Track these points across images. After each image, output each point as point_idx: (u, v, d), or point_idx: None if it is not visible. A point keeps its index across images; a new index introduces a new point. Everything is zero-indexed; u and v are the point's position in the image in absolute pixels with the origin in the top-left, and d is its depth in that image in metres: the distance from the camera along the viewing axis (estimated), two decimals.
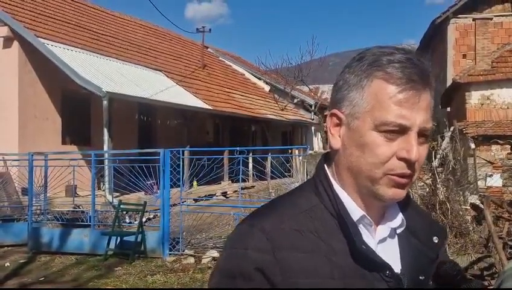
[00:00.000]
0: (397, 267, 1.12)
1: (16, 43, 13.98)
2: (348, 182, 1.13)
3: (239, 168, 9.66)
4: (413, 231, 1.18)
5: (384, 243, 1.15)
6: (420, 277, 1.13)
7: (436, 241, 1.19)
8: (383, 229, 1.15)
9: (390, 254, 1.13)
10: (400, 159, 1.06)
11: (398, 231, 1.17)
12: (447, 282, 1.16)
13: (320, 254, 1.07)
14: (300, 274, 1.05)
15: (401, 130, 1.06)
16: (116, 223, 9.75)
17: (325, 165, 1.18)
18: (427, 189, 9.45)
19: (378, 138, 1.06)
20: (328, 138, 1.16)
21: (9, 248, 10.22)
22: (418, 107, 1.06)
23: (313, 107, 27.03)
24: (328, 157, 1.19)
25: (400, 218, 1.17)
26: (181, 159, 9.79)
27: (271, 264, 1.05)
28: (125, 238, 9.48)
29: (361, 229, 1.12)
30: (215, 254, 8.90)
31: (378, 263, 1.08)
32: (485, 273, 6.47)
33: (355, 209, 1.12)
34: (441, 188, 9.07)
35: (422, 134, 1.07)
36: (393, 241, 1.17)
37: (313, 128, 27.90)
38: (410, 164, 1.06)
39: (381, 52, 1.09)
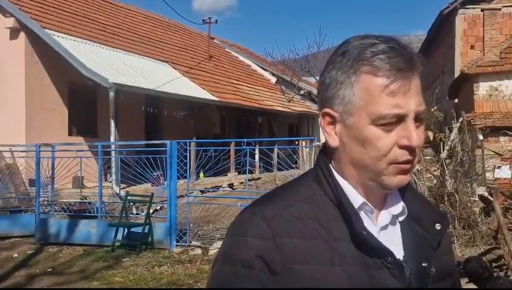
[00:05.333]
0: (399, 254, 1.12)
1: (22, 34, 13.98)
2: (351, 175, 1.14)
3: (246, 160, 9.63)
4: (415, 218, 1.18)
5: (386, 230, 1.15)
6: (423, 264, 1.13)
7: (438, 228, 1.18)
8: (385, 216, 1.16)
9: (392, 241, 1.13)
10: (402, 147, 1.06)
11: (400, 218, 1.17)
12: (474, 279, 1.16)
13: (321, 240, 1.08)
14: (301, 261, 1.06)
15: (398, 119, 1.06)
16: (123, 215, 9.77)
17: (325, 156, 1.19)
18: (435, 181, 9.41)
19: (376, 131, 1.06)
20: (324, 136, 1.16)
21: (17, 239, 10.26)
22: (410, 93, 1.06)
23: None
24: (327, 149, 1.19)
25: (401, 205, 1.17)
26: (188, 151, 9.78)
27: (272, 251, 1.06)
28: (132, 229, 9.48)
29: (363, 216, 1.12)
30: None
31: (380, 249, 1.09)
32: (494, 264, 6.43)
33: (356, 197, 1.12)
34: (449, 180, 9.03)
35: (417, 118, 1.08)
36: (395, 228, 1.17)
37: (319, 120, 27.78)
38: (411, 150, 1.07)
39: (363, 44, 1.08)
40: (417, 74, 1.09)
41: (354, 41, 1.11)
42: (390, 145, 1.07)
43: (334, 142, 1.14)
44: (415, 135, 1.06)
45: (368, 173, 1.10)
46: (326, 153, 1.20)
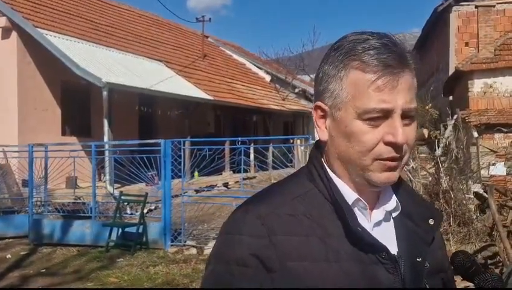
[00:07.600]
0: (394, 250, 1.13)
1: (14, 34, 13.90)
2: (340, 171, 1.14)
3: (240, 159, 9.59)
4: (409, 214, 1.19)
5: (380, 226, 1.15)
6: (417, 259, 1.14)
7: (431, 223, 1.19)
8: (378, 213, 1.16)
9: (386, 237, 1.13)
10: (387, 143, 1.07)
11: (394, 214, 1.18)
12: (461, 273, 1.14)
13: (315, 237, 1.08)
14: (296, 258, 1.06)
15: (385, 115, 1.06)
16: (118, 215, 9.72)
17: (318, 153, 1.20)
18: (430, 178, 9.42)
19: (362, 126, 1.07)
20: (316, 130, 1.17)
21: (11, 240, 10.20)
22: (397, 89, 1.06)
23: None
24: (319, 146, 1.20)
25: (394, 201, 1.17)
26: (182, 150, 9.75)
27: (266, 249, 1.07)
28: (126, 229, 9.45)
29: (356, 212, 1.12)
30: None
31: (374, 245, 1.09)
32: (489, 261, 6.43)
33: (349, 193, 1.13)
34: (444, 177, 9.04)
35: (407, 115, 1.07)
36: (388, 224, 1.17)
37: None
38: (397, 147, 1.07)
39: (356, 40, 1.10)
40: (408, 71, 1.08)
41: (350, 37, 1.11)
42: (375, 141, 1.07)
43: (324, 136, 1.15)
44: (401, 131, 1.06)
45: (354, 168, 1.10)
46: (319, 149, 1.20)
